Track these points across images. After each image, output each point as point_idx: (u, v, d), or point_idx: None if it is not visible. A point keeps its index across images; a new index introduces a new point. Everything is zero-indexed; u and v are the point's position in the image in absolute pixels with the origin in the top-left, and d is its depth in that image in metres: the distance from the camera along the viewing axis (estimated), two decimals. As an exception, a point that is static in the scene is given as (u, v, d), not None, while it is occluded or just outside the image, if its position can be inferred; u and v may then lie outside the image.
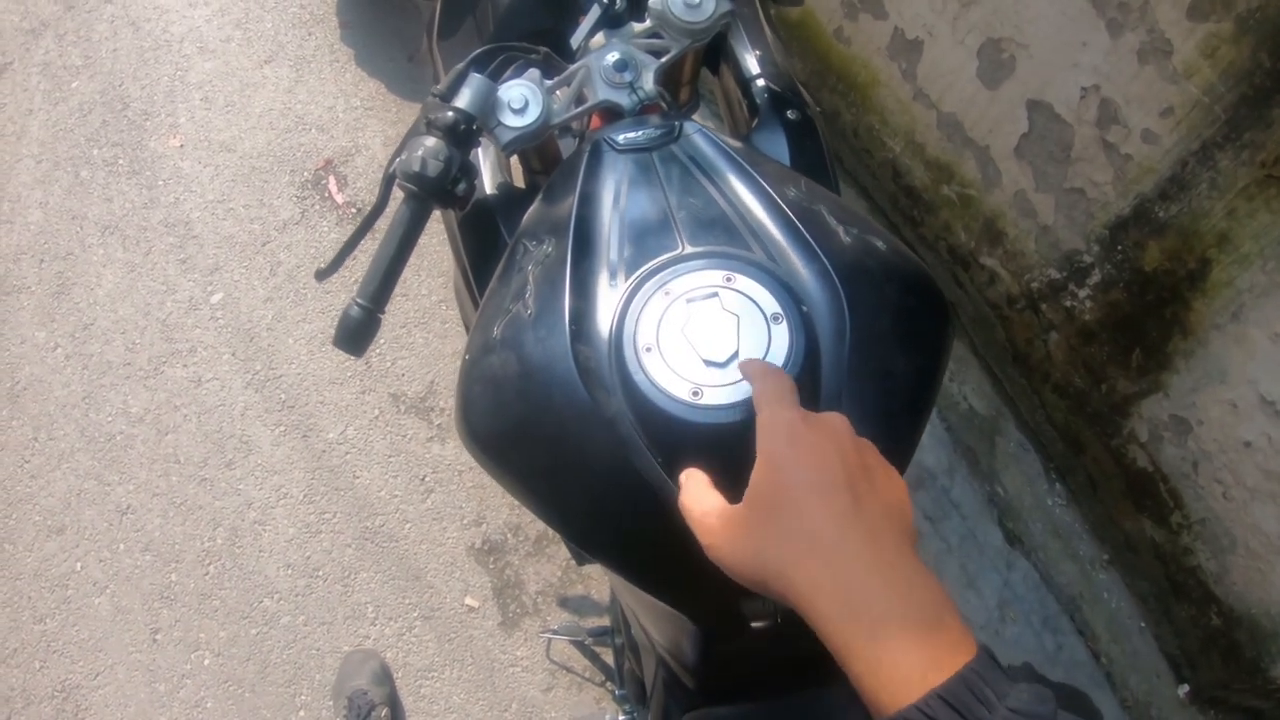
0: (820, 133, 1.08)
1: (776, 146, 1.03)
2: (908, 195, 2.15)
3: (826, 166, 1.07)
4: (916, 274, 0.80)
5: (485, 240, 1.04)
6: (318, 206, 2.24)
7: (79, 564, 1.86)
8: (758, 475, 0.54)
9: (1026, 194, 1.87)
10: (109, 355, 2.07)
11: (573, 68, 0.95)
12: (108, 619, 1.81)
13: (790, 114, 1.06)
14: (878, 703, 0.46)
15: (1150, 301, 1.74)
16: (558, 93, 0.95)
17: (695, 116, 1.00)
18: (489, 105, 0.89)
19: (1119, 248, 1.76)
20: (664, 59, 0.96)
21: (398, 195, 0.92)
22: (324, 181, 2.27)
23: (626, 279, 0.75)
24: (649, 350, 0.70)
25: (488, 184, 1.10)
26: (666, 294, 0.72)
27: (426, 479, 1.88)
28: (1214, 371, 1.67)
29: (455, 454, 1.88)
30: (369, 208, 1.01)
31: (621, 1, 0.95)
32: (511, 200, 1.06)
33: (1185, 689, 1.91)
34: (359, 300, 0.85)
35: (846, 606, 0.48)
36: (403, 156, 0.86)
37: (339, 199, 2.26)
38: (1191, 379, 1.72)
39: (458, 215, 1.08)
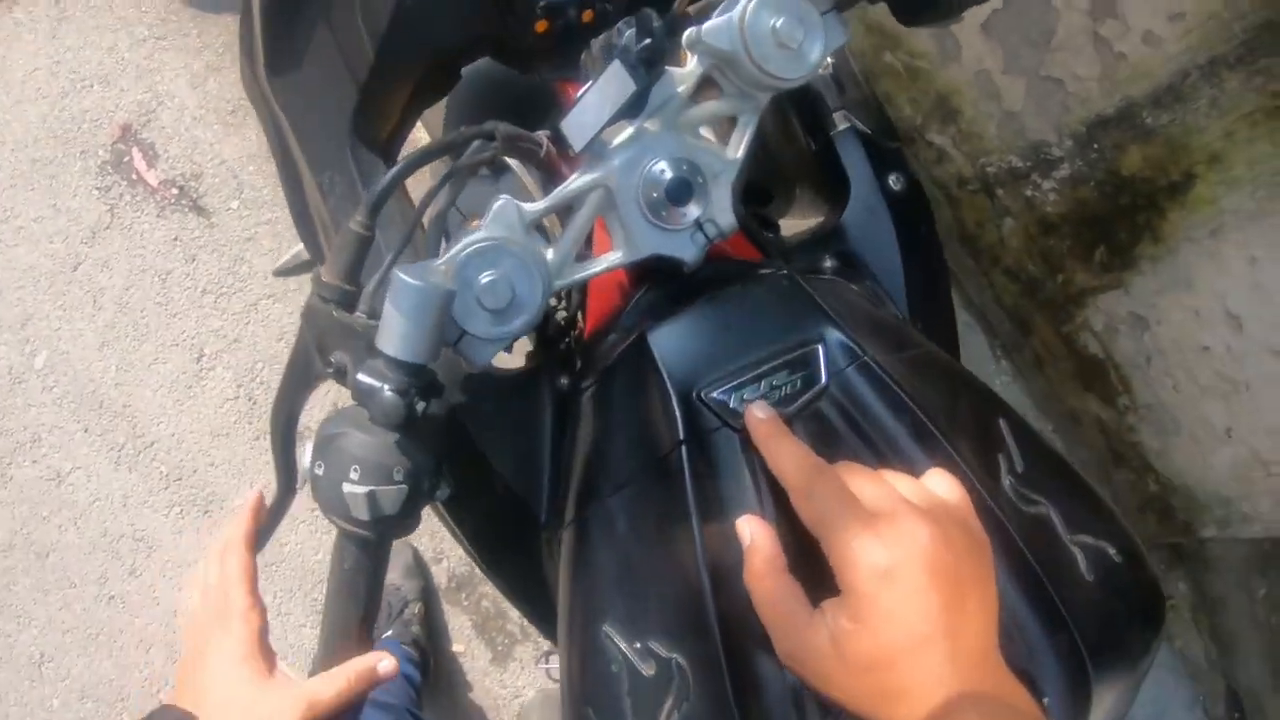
0: (929, 202, 0.80)
1: (878, 234, 0.76)
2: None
3: (943, 260, 0.80)
4: (1151, 594, 0.61)
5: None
6: (128, 196, 1.72)
7: (16, 738, 1.67)
8: (853, 626, 0.47)
9: (992, 75, 1.63)
10: (-63, 467, 1.69)
11: (574, 185, 0.58)
12: (79, 790, 1.67)
13: (893, 181, 0.76)
14: None
15: (1123, 205, 1.62)
16: (544, 220, 0.59)
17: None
18: (443, 320, 0.52)
19: (1095, 146, 1.61)
20: (737, 151, 0.60)
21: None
22: (127, 159, 1.73)
23: None
24: None
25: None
26: None
27: (365, 524, 1.70)
28: (1181, 280, 1.64)
29: (387, 490, 1.69)
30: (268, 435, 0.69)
31: (660, 31, 0.54)
32: (491, 397, 0.70)
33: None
34: None
35: None
36: (319, 470, 0.53)
37: (152, 179, 1.73)
38: (1156, 283, 1.67)
39: None
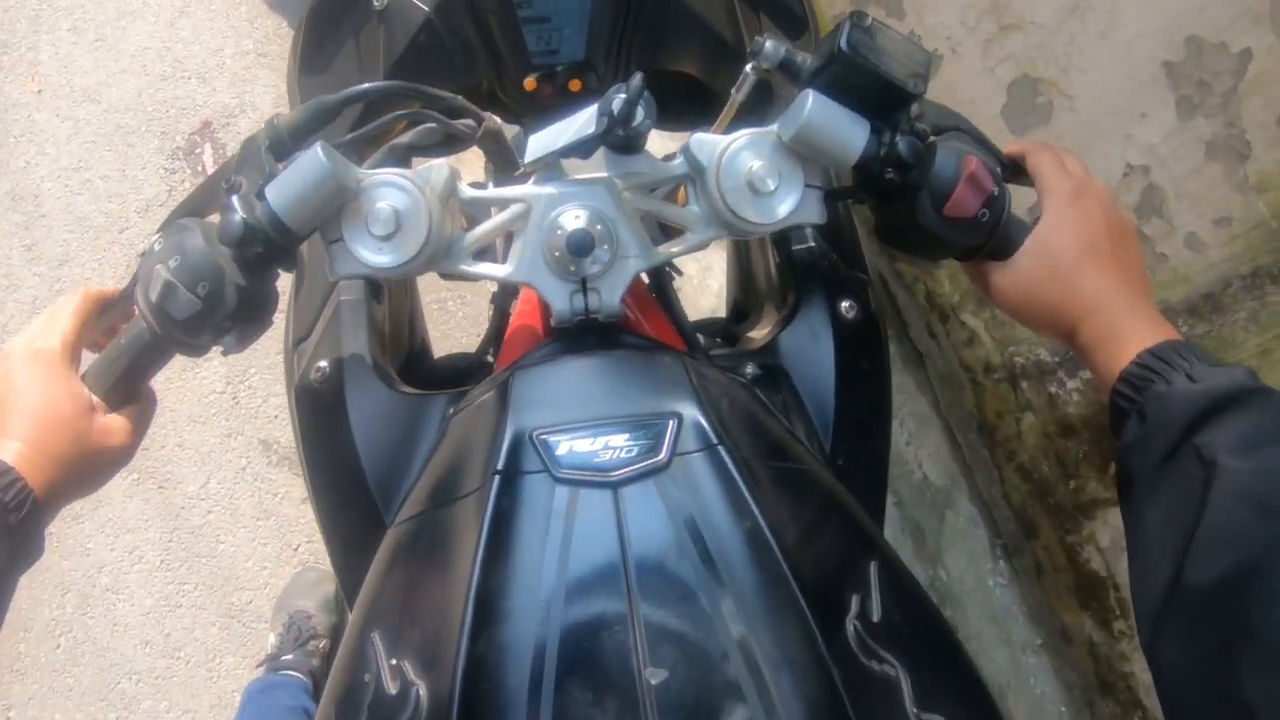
0: (883, 341, 0.76)
1: (817, 359, 0.71)
2: (892, 222, 1.83)
3: (887, 402, 0.76)
4: None
5: (326, 433, 0.72)
6: (188, 184, 1.82)
7: (-89, 631, 1.61)
8: (1045, 232, 0.63)
9: (1031, 261, 1.61)
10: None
11: (506, 192, 0.59)
12: (-46, 693, 1.61)
13: (846, 308, 0.73)
14: (1111, 371, 0.60)
15: None
16: (461, 216, 0.62)
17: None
18: (328, 208, 0.55)
19: None
20: (660, 256, 0.60)
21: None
22: (198, 150, 1.84)
23: None
24: None
25: (345, 341, 0.73)
26: None
27: (300, 549, 1.64)
28: None
29: (337, 521, 1.63)
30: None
31: (644, 119, 0.55)
32: (374, 379, 0.71)
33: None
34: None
35: (1105, 333, 0.61)
36: (156, 246, 0.56)
37: None
38: None
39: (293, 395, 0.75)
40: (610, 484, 0.49)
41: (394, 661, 0.49)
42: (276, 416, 1.68)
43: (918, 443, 1.88)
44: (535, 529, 0.48)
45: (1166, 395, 0.55)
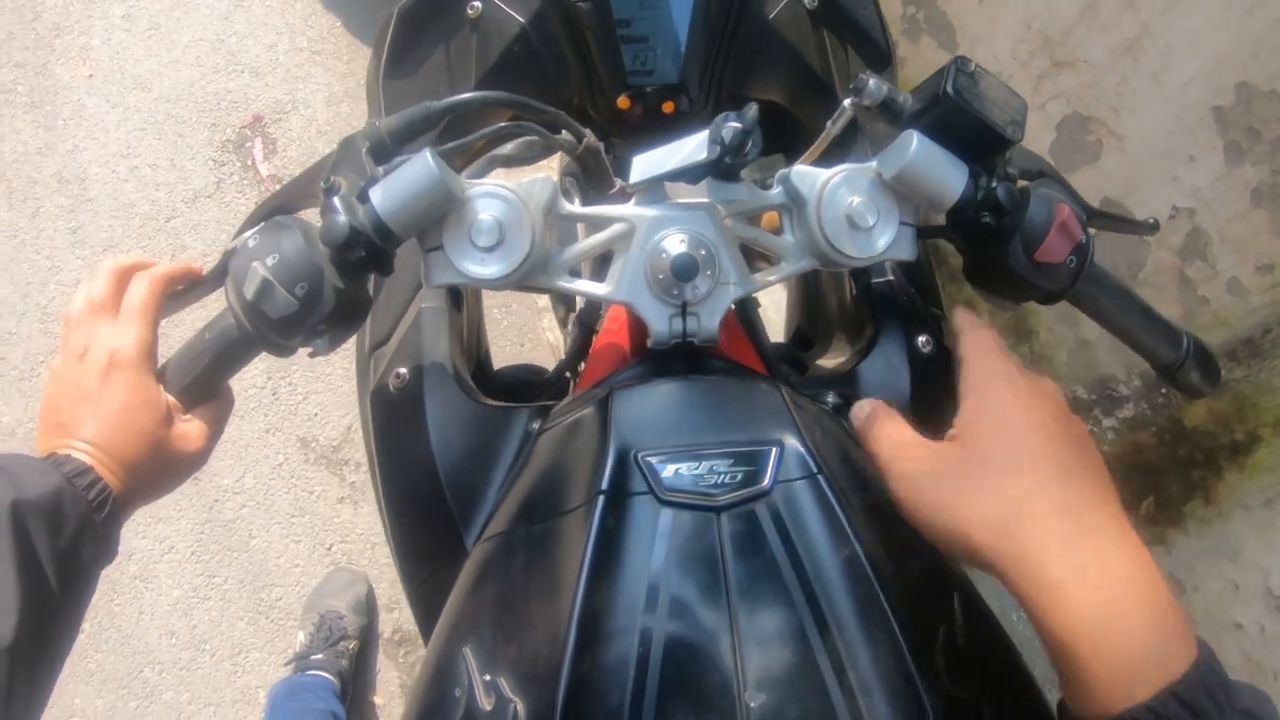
0: (956, 377, 0.77)
1: (893, 392, 0.73)
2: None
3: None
4: None
5: (403, 440, 0.72)
6: (236, 177, 1.83)
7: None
8: (973, 419, 0.50)
9: (1072, 298, 1.62)
10: (-22, 345, 1.73)
11: (610, 210, 0.60)
12: (-36, 674, 1.60)
13: (923, 343, 0.74)
14: (1095, 702, 0.42)
15: (1180, 457, 1.56)
16: (554, 232, 0.61)
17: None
18: (432, 215, 0.55)
19: (1163, 390, 1.57)
20: (758, 284, 0.61)
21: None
22: (248, 144, 1.86)
23: None
24: None
25: (425, 348, 0.73)
26: None
27: (333, 548, 1.65)
28: (1226, 548, 1.55)
29: (368, 522, 1.64)
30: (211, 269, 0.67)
31: (753, 149, 0.55)
32: (454, 389, 0.71)
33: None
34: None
35: (1060, 594, 0.43)
36: (251, 242, 0.55)
37: (262, 170, 1.84)
38: (1200, 546, 1.59)
39: (367, 399, 0.75)
40: (715, 508, 0.50)
41: (488, 677, 0.50)
42: (316, 414, 1.69)
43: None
44: (640, 550, 0.49)
45: None
